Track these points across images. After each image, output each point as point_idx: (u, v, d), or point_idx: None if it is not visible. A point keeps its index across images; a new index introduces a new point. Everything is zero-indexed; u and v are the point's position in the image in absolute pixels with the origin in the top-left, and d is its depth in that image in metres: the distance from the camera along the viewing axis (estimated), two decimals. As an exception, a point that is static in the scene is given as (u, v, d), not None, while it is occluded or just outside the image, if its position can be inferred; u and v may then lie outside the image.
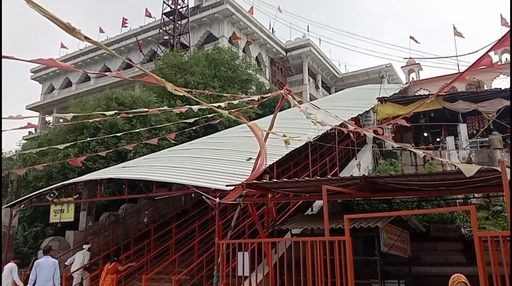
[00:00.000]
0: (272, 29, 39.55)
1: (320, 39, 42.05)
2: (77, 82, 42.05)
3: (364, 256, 9.64)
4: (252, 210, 9.12)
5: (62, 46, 42.35)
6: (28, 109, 44.38)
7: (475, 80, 25.97)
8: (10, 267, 10.66)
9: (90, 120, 14.05)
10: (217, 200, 8.47)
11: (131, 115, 12.36)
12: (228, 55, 25.00)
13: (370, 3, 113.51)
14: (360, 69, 43.77)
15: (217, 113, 8.59)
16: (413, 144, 18.76)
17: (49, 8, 3.71)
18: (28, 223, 17.55)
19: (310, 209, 11.84)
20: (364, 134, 11.99)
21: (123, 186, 12.31)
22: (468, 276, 5.17)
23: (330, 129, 14.73)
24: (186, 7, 35.34)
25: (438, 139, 21.16)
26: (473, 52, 5.73)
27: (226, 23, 34.38)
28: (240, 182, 8.34)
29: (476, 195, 12.28)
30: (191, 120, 10.22)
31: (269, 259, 8.44)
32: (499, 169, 5.63)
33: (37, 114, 43.98)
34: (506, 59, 27.19)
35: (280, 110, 10.21)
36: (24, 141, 28.78)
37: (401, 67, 32.49)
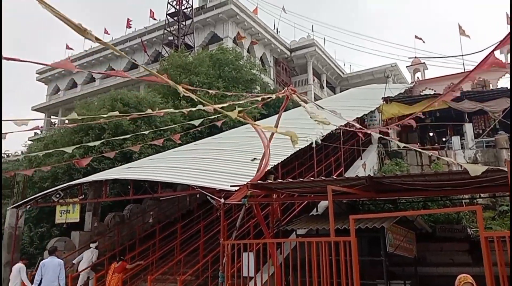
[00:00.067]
0: (277, 29, 39.51)
1: (324, 39, 42.08)
2: (82, 83, 42.25)
3: (369, 256, 9.58)
4: (257, 210, 9.10)
5: (68, 47, 42.57)
6: (33, 110, 44.74)
7: (481, 79, 25.82)
8: (19, 268, 10.69)
9: (95, 122, 14.09)
10: (222, 200, 8.48)
11: (136, 116, 12.37)
12: (233, 55, 25.00)
13: (375, 2, 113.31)
14: (365, 68, 43.61)
15: (223, 114, 8.59)
16: (418, 144, 18.78)
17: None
18: (34, 223, 17.61)
19: (315, 209, 11.82)
20: (370, 134, 11.97)
21: (128, 187, 12.33)
22: (475, 276, 5.12)
23: (336, 129, 14.71)
24: (191, 8, 35.36)
25: (444, 139, 21.08)
26: (479, 51, 5.71)
27: (231, 24, 34.39)
28: (245, 183, 8.35)
29: (482, 195, 12.22)
30: (197, 122, 10.18)
31: (274, 260, 8.44)
32: (505, 169, 5.60)
33: (43, 115, 44.21)
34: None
35: (284, 110, 10.20)
36: (30, 142, 28.91)
37: (406, 66, 32.31)
